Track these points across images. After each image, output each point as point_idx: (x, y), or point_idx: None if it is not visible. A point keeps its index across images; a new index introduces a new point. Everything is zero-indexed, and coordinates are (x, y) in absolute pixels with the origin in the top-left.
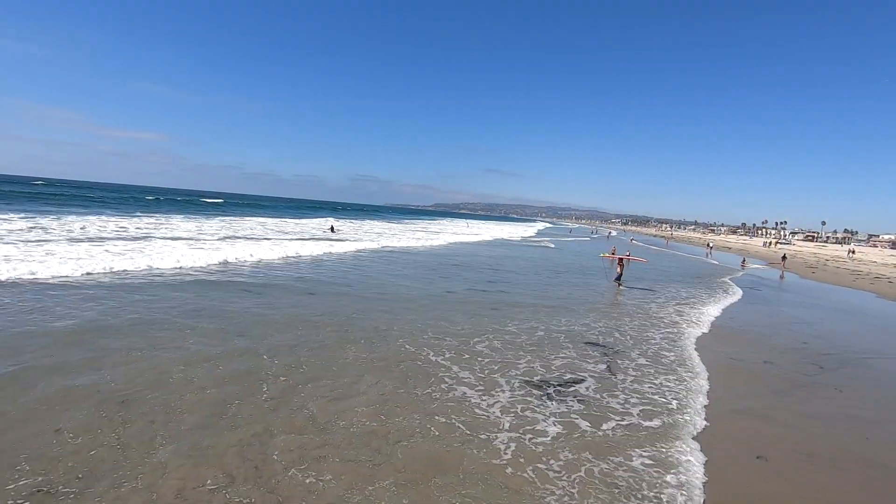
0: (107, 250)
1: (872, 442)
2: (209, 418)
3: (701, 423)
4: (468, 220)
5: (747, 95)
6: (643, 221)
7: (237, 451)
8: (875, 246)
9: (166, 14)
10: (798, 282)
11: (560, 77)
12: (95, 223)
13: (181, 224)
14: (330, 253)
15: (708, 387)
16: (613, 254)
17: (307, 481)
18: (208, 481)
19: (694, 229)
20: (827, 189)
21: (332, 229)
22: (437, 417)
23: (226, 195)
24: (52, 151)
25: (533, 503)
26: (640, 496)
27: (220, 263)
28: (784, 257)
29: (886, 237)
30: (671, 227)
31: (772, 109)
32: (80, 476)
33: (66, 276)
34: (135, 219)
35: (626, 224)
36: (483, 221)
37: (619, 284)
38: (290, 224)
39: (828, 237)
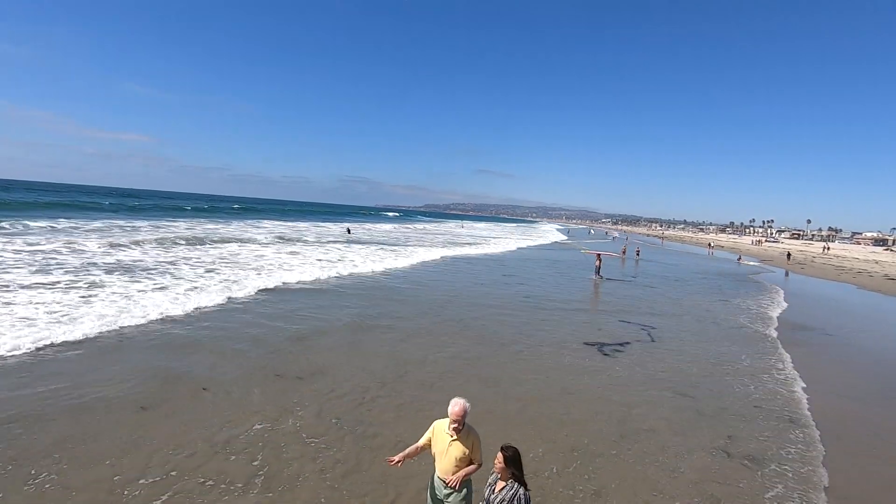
0: (283, 261)
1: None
2: (346, 351)
3: (742, 368)
4: (463, 222)
5: (736, 96)
6: (633, 221)
7: (391, 371)
8: (858, 243)
9: (151, 14)
10: (795, 277)
11: (553, 78)
12: (228, 229)
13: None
14: (425, 262)
15: (750, 350)
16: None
17: (451, 387)
18: (386, 383)
19: (683, 228)
20: (812, 188)
21: (348, 231)
22: (522, 363)
23: (226, 198)
24: (32, 153)
25: (637, 409)
26: (703, 399)
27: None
28: (789, 255)
29: (869, 235)
30: (662, 227)
31: (760, 110)
32: (303, 372)
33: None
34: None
35: (616, 223)
36: (484, 223)
37: (599, 276)
38: (312, 228)
39: (813, 235)
